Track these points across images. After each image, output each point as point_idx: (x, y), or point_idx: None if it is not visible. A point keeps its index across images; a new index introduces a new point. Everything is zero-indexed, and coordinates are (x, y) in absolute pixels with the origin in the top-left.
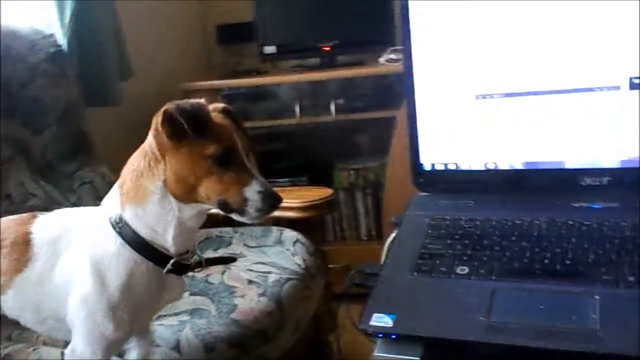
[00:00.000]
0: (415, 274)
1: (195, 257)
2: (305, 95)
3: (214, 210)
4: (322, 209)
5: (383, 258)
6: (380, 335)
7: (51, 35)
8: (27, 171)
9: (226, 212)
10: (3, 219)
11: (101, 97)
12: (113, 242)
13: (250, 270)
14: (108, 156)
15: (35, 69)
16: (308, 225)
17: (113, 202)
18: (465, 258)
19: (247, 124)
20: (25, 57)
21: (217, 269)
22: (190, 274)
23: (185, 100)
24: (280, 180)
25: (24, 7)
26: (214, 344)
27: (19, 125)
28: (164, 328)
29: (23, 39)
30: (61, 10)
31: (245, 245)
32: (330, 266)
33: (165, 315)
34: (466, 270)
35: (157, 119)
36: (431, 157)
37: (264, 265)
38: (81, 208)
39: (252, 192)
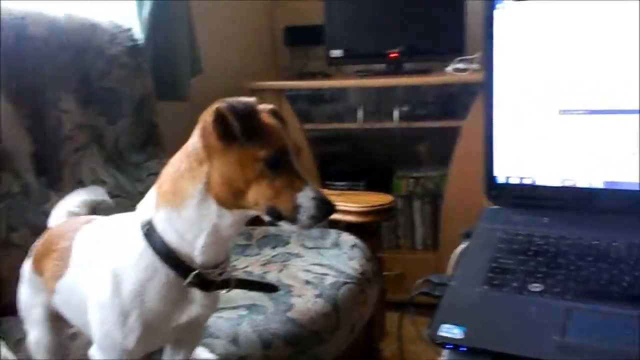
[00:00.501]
0: (486, 287)
1: (226, 273)
2: (369, 100)
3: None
4: (382, 215)
5: (450, 269)
6: (449, 346)
7: (129, 30)
8: (99, 159)
9: (275, 220)
10: (67, 220)
11: (172, 92)
12: (137, 246)
13: (307, 270)
14: (173, 149)
15: (113, 61)
16: (366, 230)
17: (148, 205)
18: (538, 275)
19: (310, 126)
20: (105, 49)
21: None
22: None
23: (236, 99)
24: (338, 183)
25: (107, 2)
26: (271, 341)
27: (95, 114)
28: (223, 320)
29: (104, 31)
30: (140, 6)
31: (303, 245)
32: (383, 273)
33: (224, 308)
34: (539, 287)
35: (206, 118)
36: (506, 169)
37: (321, 267)
38: (124, 213)
39: (305, 198)
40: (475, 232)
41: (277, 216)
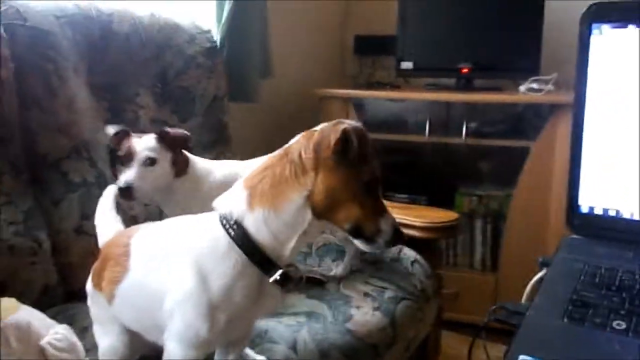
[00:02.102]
0: (566, 320)
1: (299, 272)
2: (436, 114)
3: None
4: (445, 232)
5: (525, 297)
6: None
7: (208, 31)
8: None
9: (353, 237)
10: (117, 233)
11: (243, 93)
12: (221, 242)
13: (367, 282)
14: (241, 150)
15: (190, 61)
16: (426, 246)
17: (234, 202)
18: (622, 312)
19: (374, 136)
20: (184, 49)
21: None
22: None
23: (354, 123)
24: (399, 196)
25: (188, 4)
26: (328, 351)
27: (169, 111)
28: (283, 327)
29: (184, 32)
30: (220, 9)
31: (363, 259)
32: None
33: (283, 314)
34: (623, 325)
35: (329, 134)
36: (590, 199)
37: (380, 280)
38: (185, 216)
39: (386, 224)
40: (555, 262)
41: (357, 235)
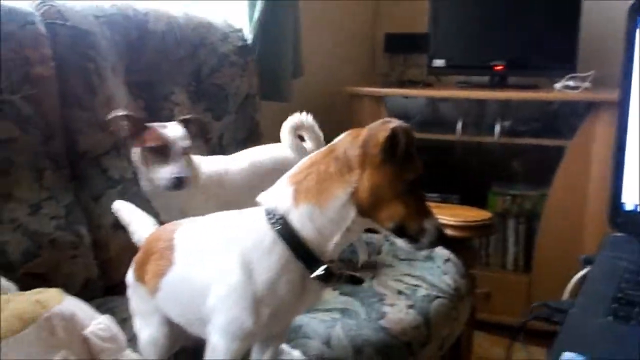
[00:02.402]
0: (611, 318)
1: (341, 269)
2: (469, 112)
3: None
4: (479, 231)
5: (567, 294)
6: None
7: (240, 30)
8: (204, 153)
9: (397, 236)
10: (158, 228)
11: (274, 92)
12: (266, 237)
13: (399, 280)
14: None
15: (224, 59)
16: (460, 245)
17: (280, 198)
18: None
19: None
20: (217, 47)
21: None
22: None
23: (401, 122)
24: (430, 194)
25: (220, 3)
26: (362, 347)
27: (203, 109)
28: (316, 321)
29: (217, 30)
30: (252, 8)
31: (395, 256)
32: None
33: (317, 310)
34: None
35: (377, 133)
36: (634, 197)
37: (413, 279)
38: (229, 211)
39: (430, 225)
40: (598, 260)
41: (401, 234)
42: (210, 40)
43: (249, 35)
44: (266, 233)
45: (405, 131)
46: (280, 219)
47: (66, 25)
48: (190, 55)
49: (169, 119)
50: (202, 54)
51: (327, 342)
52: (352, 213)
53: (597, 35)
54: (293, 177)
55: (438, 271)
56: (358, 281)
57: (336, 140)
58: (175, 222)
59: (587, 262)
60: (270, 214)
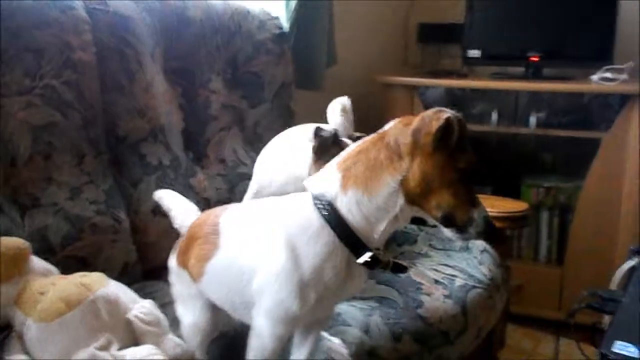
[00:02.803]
0: None
1: (387, 256)
2: (504, 103)
3: None
4: (515, 222)
5: (615, 285)
6: None
7: (277, 18)
8: (240, 140)
9: (445, 226)
10: (203, 213)
11: (308, 81)
12: (313, 222)
13: (436, 270)
14: None
15: (260, 47)
16: (494, 237)
17: (327, 184)
18: None
19: None
20: (254, 35)
21: None
22: None
23: (453, 112)
24: None
25: None
26: (401, 335)
27: (239, 96)
28: (355, 309)
29: (254, 18)
30: None
31: (431, 245)
32: None
33: (355, 298)
34: None
35: (429, 121)
36: None
37: (449, 268)
38: (275, 197)
39: (479, 215)
40: None
41: (449, 223)
42: (247, 27)
43: (285, 23)
44: (313, 218)
45: (459, 121)
46: (327, 204)
47: (107, 11)
48: (227, 42)
49: (206, 106)
50: (238, 41)
51: (366, 330)
52: (400, 201)
53: (635, 27)
54: (342, 163)
55: (474, 261)
56: (403, 269)
57: (386, 127)
58: (219, 207)
59: (637, 253)
60: (317, 199)
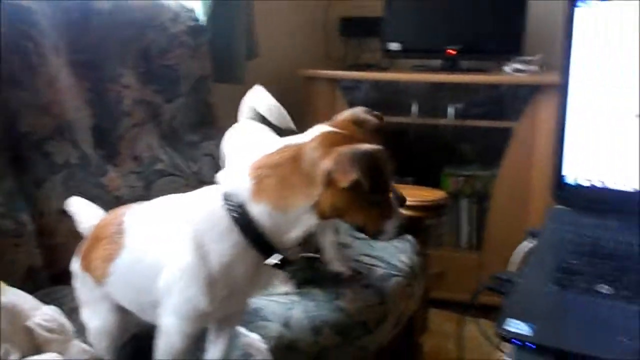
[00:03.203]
0: (555, 286)
1: (293, 253)
2: (423, 95)
3: None
4: (434, 211)
5: (513, 266)
6: (517, 342)
7: (192, 10)
8: (155, 136)
9: (356, 230)
10: (107, 214)
11: (228, 74)
12: (222, 221)
13: (357, 260)
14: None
15: (174, 40)
16: (415, 225)
17: (239, 188)
18: (608, 278)
19: None
20: (168, 28)
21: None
22: None
23: (376, 148)
24: None
25: None
26: (321, 328)
27: (153, 91)
28: (275, 304)
29: (167, 10)
30: None
31: (352, 235)
32: None
33: (275, 293)
34: (609, 290)
35: (346, 168)
36: (576, 171)
37: (370, 258)
38: (182, 194)
39: (391, 226)
40: (543, 232)
41: (360, 232)
42: (160, 20)
43: (201, 15)
44: (222, 217)
45: (376, 160)
46: (238, 207)
47: (5, 2)
48: (139, 35)
49: (117, 101)
50: (151, 34)
51: (286, 324)
52: (312, 220)
53: (544, 19)
54: (255, 169)
55: (394, 250)
56: (315, 259)
57: (305, 138)
58: (123, 206)
59: (533, 235)
60: (228, 199)
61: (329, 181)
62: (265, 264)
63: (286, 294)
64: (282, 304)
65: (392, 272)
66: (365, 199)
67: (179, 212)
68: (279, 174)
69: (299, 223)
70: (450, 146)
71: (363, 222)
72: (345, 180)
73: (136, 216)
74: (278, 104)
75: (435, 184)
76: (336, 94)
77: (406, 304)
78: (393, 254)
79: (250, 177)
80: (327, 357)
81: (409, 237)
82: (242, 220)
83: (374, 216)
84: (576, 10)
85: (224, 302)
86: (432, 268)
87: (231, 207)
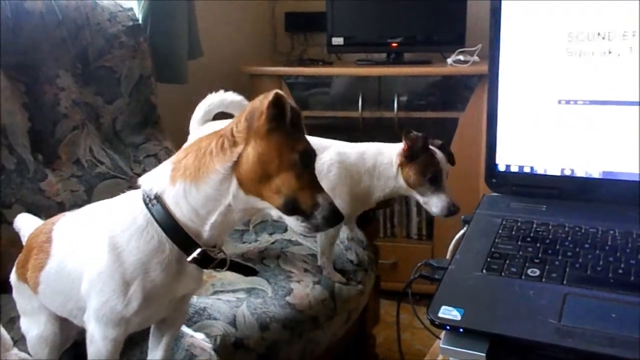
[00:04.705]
0: (485, 271)
1: (221, 254)
2: (369, 89)
3: None
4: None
5: (449, 253)
6: (448, 328)
7: (130, 9)
8: (96, 139)
9: (287, 214)
10: (41, 224)
11: (170, 74)
12: (139, 218)
13: (305, 261)
14: (172, 132)
15: (113, 40)
16: (362, 218)
17: (157, 178)
18: (536, 261)
19: (308, 113)
20: (105, 28)
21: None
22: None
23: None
24: None
25: None
26: (269, 324)
27: (92, 93)
28: (221, 302)
29: (104, 10)
30: None
31: (302, 233)
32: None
33: (222, 291)
34: (537, 272)
35: (261, 101)
36: (507, 158)
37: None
38: (114, 198)
39: (324, 200)
40: (475, 219)
41: (292, 209)
42: (97, 20)
43: (139, 14)
44: (139, 214)
45: (289, 103)
46: (154, 198)
47: None
48: (75, 36)
49: (54, 103)
50: (87, 35)
51: (233, 322)
52: (232, 187)
53: (484, 11)
54: (174, 157)
55: (342, 246)
56: (250, 271)
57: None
58: (58, 215)
59: (466, 222)
60: (146, 194)
61: (249, 130)
62: (190, 263)
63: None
64: (228, 302)
65: (341, 268)
66: (290, 156)
67: (101, 216)
68: (197, 148)
69: (218, 196)
70: (398, 139)
71: (293, 187)
72: (264, 105)
73: (64, 225)
74: (242, 97)
75: None
76: (282, 90)
77: (357, 300)
78: (341, 252)
79: (169, 164)
80: (277, 353)
81: (359, 232)
82: (157, 210)
83: (304, 183)
84: (503, 2)
85: (145, 304)
86: (385, 259)
87: (147, 201)
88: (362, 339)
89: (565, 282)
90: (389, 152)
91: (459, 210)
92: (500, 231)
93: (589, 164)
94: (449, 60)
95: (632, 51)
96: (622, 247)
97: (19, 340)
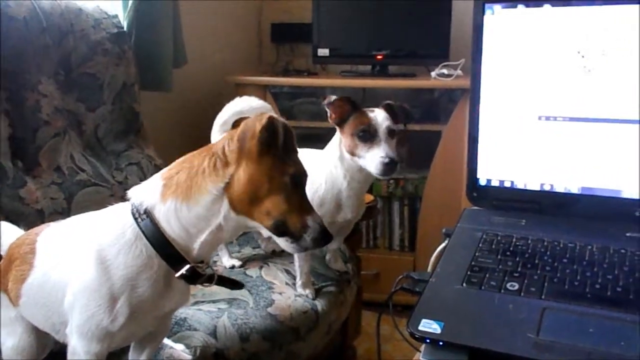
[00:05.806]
0: (465, 285)
1: (209, 269)
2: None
3: None
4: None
5: (430, 266)
6: (428, 341)
7: (115, 16)
8: (77, 146)
9: (277, 235)
10: (23, 234)
11: (155, 82)
12: (127, 232)
13: (287, 272)
14: (155, 140)
15: (96, 47)
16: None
17: (147, 193)
18: (515, 275)
19: (292, 123)
20: (89, 35)
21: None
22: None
23: (279, 116)
24: None
25: None
26: (249, 335)
27: (75, 100)
28: (202, 313)
29: (88, 16)
30: None
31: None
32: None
33: (204, 302)
34: (516, 286)
35: (254, 123)
36: (488, 172)
37: None
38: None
39: (313, 222)
40: (456, 232)
41: (282, 231)
42: (81, 26)
43: (124, 22)
44: (128, 229)
45: (283, 123)
46: (144, 213)
47: None
48: (58, 42)
49: (36, 110)
50: (71, 41)
51: (213, 333)
52: (224, 208)
53: (468, 26)
54: (166, 172)
55: (324, 258)
56: (237, 285)
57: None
58: (42, 225)
59: (447, 235)
60: (135, 208)
61: (241, 151)
62: (177, 279)
63: (214, 302)
64: (209, 312)
65: (324, 280)
66: (281, 179)
67: (88, 228)
68: (189, 166)
69: (209, 216)
70: None
71: (282, 211)
72: (257, 128)
73: (48, 236)
74: (265, 103)
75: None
76: (267, 101)
77: (338, 312)
78: (323, 262)
79: (160, 180)
80: None
81: (341, 243)
82: (147, 226)
83: (293, 206)
84: (485, 17)
85: (133, 320)
86: (367, 270)
87: (137, 215)
88: (342, 351)
89: (543, 296)
90: (331, 142)
91: (400, 163)
92: (480, 245)
93: (568, 180)
94: (433, 74)
95: (610, 69)
96: (599, 262)
97: None
